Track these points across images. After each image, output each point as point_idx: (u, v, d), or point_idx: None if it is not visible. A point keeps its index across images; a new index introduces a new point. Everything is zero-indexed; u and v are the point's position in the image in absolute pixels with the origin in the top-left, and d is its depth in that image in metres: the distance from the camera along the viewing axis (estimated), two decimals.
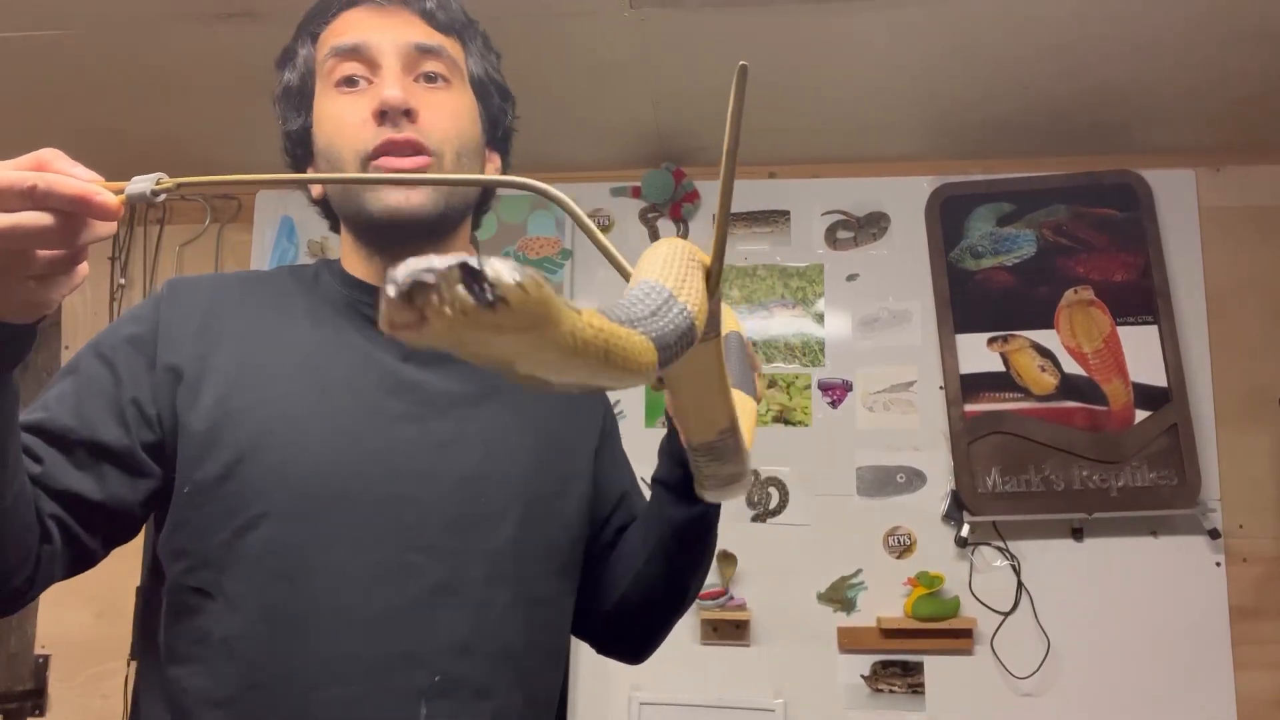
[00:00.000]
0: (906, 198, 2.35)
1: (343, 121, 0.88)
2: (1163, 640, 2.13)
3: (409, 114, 0.86)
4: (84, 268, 0.63)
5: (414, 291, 0.31)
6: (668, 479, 0.90)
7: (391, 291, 0.31)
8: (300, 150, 0.95)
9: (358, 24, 0.90)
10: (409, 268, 0.31)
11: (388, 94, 0.85)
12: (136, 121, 2.23)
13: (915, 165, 2.36)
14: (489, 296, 0.31)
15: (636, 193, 2.42)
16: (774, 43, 1.89)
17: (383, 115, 0.86)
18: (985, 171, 2.34)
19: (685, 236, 2.40)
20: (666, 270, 0.48)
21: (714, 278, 0.53)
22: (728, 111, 0.48)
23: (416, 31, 0.90)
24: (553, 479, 0.93)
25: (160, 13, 1.79)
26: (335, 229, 0.99)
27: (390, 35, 0.89)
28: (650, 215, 2.43)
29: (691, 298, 0.47)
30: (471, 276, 0.31)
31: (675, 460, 0.89)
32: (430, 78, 0.90)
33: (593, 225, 0.60)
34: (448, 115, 0.90)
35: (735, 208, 2.41)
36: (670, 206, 2.40)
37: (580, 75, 1.99)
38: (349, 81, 0.89)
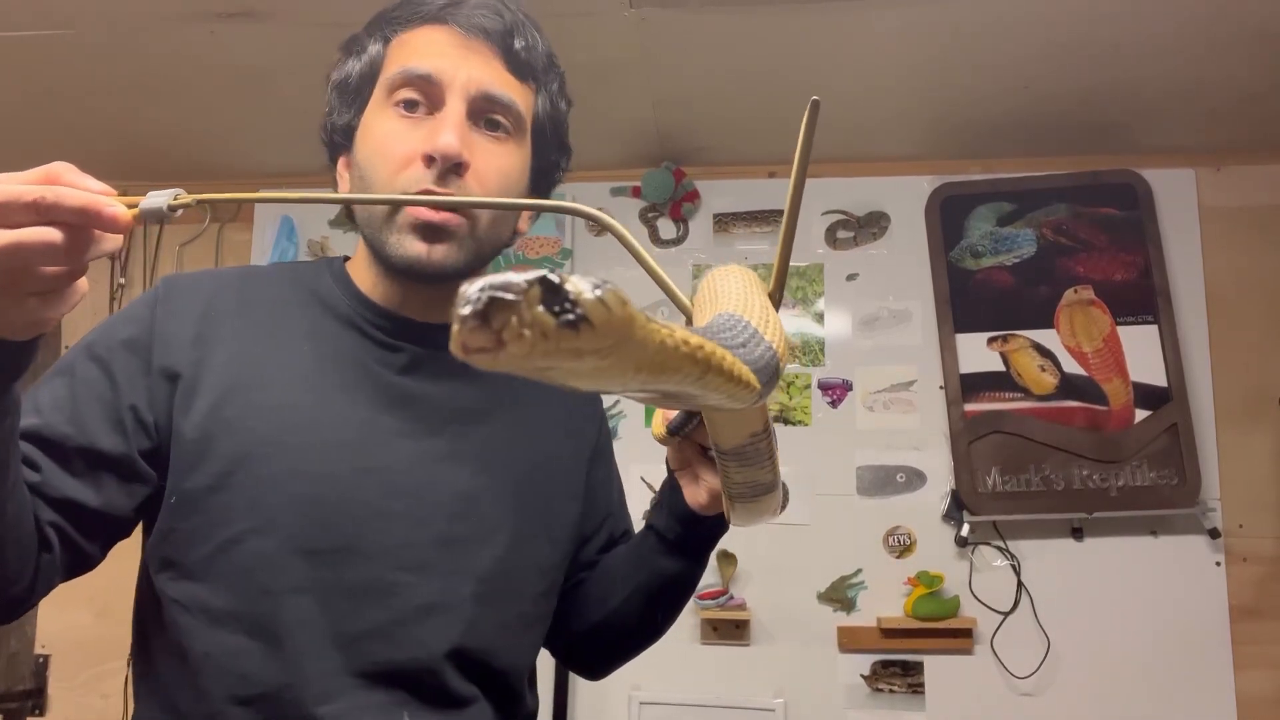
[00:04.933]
0: (906, 197, 2.35)
1: (390, 148, 0.84)
2: (1163, 640, 2.12)
3: (458, 167, 0.82)
4: (83, 283, 0.61)
5: (491, 310, 0.28)
6: (666, 532, 0.89)
7: (466, 311, 0.28)
8: (340, 140, 0.91)
9: (435, 47, 0.85)
10: (485, 284, 0.28)
11: (443, 143, 0.81)
12: (136, 121, 2.23)
13: (915, 165, 2.36)
14: (570, 316, 0.29)
15: (637, 192, 2.41)
16: (773, 42, 1.89)
17: (431, 160, 0.81)
18: (985, 171, 2.34)
19: (685, 236, 2.40)
20: (747, 305, 0.46)
21: (776, 304, 0.56)
22: (797, 146, 0.48)
23: (492, 75, 0.85)
24: (545, 499, 0.92)
25: (160, 13, 1.79)
26: (353, 221, 0.96)
27: (464, 72, 0.84)
28: (650, 215, 2.43)
29: (776, 337, 0.45)
30: (552, 294, 0.29)
31: (675, 516, 0.87)
32: (492, 124, 0.86)
33: (654, 262, 0.59)
34: (496, 173, 0.85)
35: (735, 208, 2.41)
36: (670, 206, 2.40)
37: (580, 75, 1.97)
38: (409, 105, 0.85)
